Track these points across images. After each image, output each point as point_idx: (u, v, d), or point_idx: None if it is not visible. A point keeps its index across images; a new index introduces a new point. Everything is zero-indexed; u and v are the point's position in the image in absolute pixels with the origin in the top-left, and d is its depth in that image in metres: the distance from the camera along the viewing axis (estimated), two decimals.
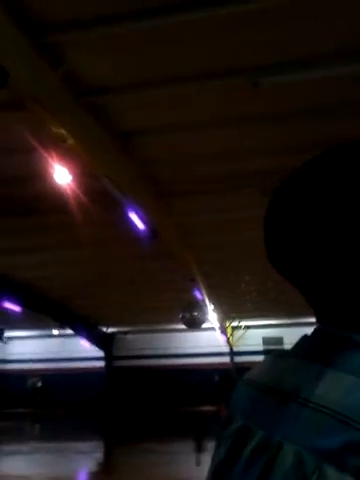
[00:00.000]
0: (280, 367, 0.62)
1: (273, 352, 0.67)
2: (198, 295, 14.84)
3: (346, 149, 0.63)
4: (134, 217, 8.62)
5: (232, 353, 24.75)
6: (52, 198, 8.16)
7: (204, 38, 5.08)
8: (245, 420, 0.60)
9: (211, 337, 23.30)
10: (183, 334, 24.03)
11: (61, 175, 6.79)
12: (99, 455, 12.10)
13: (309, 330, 0.66)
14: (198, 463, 8.24)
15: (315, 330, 0.64)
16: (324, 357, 0.57)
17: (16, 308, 16.18)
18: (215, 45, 5.18)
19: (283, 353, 0.65)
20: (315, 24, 4.89)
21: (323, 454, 0.49)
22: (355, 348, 0.56)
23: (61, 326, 21.37)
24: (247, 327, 24.93)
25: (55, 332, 24.32)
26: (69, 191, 7.40)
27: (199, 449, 8.86)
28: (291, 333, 19.87)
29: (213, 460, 0.63)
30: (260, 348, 24.18)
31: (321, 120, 6.41)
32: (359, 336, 0.57)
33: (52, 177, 6.91)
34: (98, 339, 24.49)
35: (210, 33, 4.98)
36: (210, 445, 8.65)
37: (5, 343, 27.73)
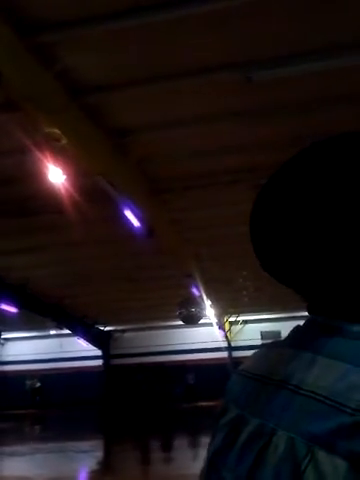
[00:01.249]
0: (273, 357, 0.63)
1: (266, 343, 0.69)
2: (195, 291, 14.86)
3: (333, 142, 0.62)
4: (129, 215, 8.62)
5: (230, 348, 24.80)
6: (47, 198, 8.15)
7: (196, 34, 5.08)
8: (240, 410, 0.61)
9: (209, 332, 23.33)
10: (181, 330, 24.04)
11: (55, 175, 6.77)
12: (99, 454, 12.12)
13: None
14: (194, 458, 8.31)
15: (307, 320, 0.64)
16: (315, 346, 0.58)
17: (12, 309, 16.13)
18: (208, 41, 5.18)
19: (276, 344, 0.66)
20: (308, 18, 4.90)
21: (314, 439, 0.50)
22: (346, 336, 0.57)
23: (58, 326, 21.35)
24: (245, 322, 24.99)
25: (52, 332, 24.29)
26: (63, 190, 7.39)
27: (196, 444, 8.93)
28: (289, 327, 19.74)
29: (209, 450, 0.64)
30: (258, 342, 24.25)
31: (317, 114, 6.43)
32: (350, 325, 0.58)
33: (46, 177, 6.89)
34: (95, 338, 24.48)
35: (202, 29, 4.98)
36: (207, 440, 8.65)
37: (2, 345, 27.70)
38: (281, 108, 6.41)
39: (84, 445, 12.77)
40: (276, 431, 0.54)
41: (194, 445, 11.45)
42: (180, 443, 12.92)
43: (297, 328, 0.65)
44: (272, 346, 0.67)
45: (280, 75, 5.53)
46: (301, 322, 0.66)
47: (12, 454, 12.03)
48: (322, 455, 0.49)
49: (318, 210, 0.59)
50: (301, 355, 0.58)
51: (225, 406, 0.65)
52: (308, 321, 0.64)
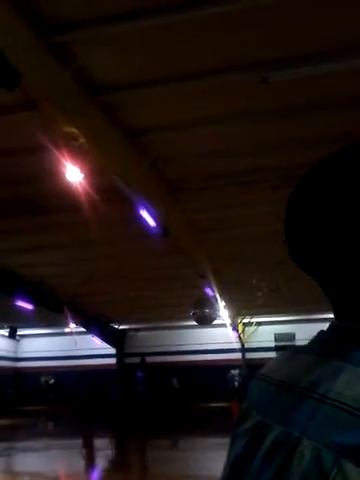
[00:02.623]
0: (297, 363, 0.62)
1: (288, 348, 0.67)
2: (209, 292, 14.84)
3: None
4: (145, 214, 8.64)
5: (244, 349, 24.72)
6: (64, 196, 8.21)
7: (213, 34, 5.08)
8: (262, 416, 0.60)
9: (222, 334, 23.28)
10: (194, 331, 24.02)
11: (73, 174, 6.82)
12: (111, 451, 12.18)
13: (321, 326, 0.66)
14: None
15: (332, 326, 0.63)
16: (342, 353, 0.56)
17: (28, 306, 16.28)
18: (225, 41, 5.18)
19: (299, 349, 0.65)
20: (324, 18, 4.87)
21: (342, 450, 0.49)
22: None
23: (73, 324, 21.48)
24: (259, 323, 24.88)
25: (67, 330, 24.45)
26: (81, 189, 7.44)
27: (206, 445, 8.92)
28: (303, 329, 19.80)
29: (229, 456, 0.63)
30: (272, 344, 24.12)
31: (334, 114, 6.38)
32: None
33: (64, 176, 6.95)
34: (110, 336, 24.58)
35: (219, 29, 4.98)
36: (219, 441, 8.68)
37: (18, 341, 27.96)
38: (298, 109, 6.37)
39: (97, 442, 12.84)
40: (301, 440, 0.53)
41: (204, 445, 11.44)
42: (192, 443, 12.92)
43: (322, 333, 0.64)
44: (295, 351, 0.65)
45: (297, 76, 5.50)
46: (316, 325, 0.65)
47: (26, 449, 12.15)
48: (350, 467, 0.48)
49: (348, 215, 0.59)
50: (327, 363, 0.57)
51: (246, 411, 0.64)
52: (334, 327, 0.63)
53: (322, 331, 0.64)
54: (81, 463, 10.25)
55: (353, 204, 0.59)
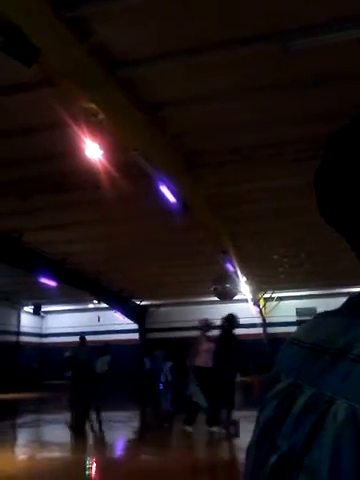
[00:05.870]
0: (329, 326, 0.61)
1: (319, 313, 0.67)
2: (230, 267, 14.84)
3: None
4: (165, 190, 8.62)
5: (265, 324, 24.78)
6: (84, 174, 8.24)
7: (231, 4, 4.96)
8: (293, 378, 0.59)
9: (244, 309, 23.35)
10: (215, 306, 24.14)
11: (92, 150, 6.82)
12: (135, 424, 12.43)
13: (343, 300, 0.65)
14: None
15: None
16: None
17: (52, 283, 16.54)
18: (243, 10, 5.06)
19: (330, 313, 0.64)
20: None
21: None
22: None
23: (96, 300, 21.78)
24: (280, 298, 24.87)
25: (90, 306, 24.81)
26: (100, 166, 7.45)
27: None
28: (325, 304, 19.68)
29: (258, 421, 0.63)
30: (293, 319, 24.12)
31: (355, 86, 6.21)
32: None
33: (84, 153, 6.96)
34: (132, 312, 24.88)
35: None
36: (243, 414, 8.80)
37: (43, 317, 28.52)
38: (318, 81, 6.22)
39: (120, 415, 13.12)
40: (334, 400, 0.53)
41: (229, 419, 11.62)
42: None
43: (351, 299, 0.64)
44: (325, 315, 0.65)
45: (317, 44, 5.34)
46: (337, 299, 0.65)
47: (52, 422, 12.49)
48: None
49: None
50: (358, 323, 0.57)
51: (275, 376, 0.63)
52: None
53: (352, 297, 0.64)
54: (105, 434, 10.52)
55: None
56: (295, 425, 0.55)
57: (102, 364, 14.51)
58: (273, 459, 0.57)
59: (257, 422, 0.63)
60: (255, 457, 0.61)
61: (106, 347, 15.51)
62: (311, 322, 0.66)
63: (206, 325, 9.71)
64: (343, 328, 0.58)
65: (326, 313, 0.65)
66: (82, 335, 16.53)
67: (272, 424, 0.59)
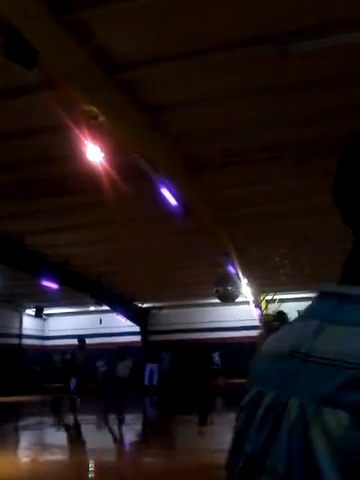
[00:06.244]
0: (287, 331, 0.65)
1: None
2: (232, 269, 14.83)
3: None
4: (166, 193, 8.62)
5: None
6: (85, 176, 8.24)
7: (231, 6, 4.97)
8: (260, 386, 0.63)
9: (245, 311, 23.32)
10: (217, 308, 24.12)
11: (93, 153, 6.83)
12: (139, 426, 12.42)
13: None
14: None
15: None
16: (323, 314, 0.59)
17: (53, 285, 16.54)
18: (242, 13, 5.07)
19: (294, 319, 0.68)
20: None
21: (321, 398, 0.52)
22: (352, 302, 0.58)
23: (97, 302, 21.76)
24: (281, 300, 24.84)
25: (92, 308, 24.79)
26: (101, 169, 7.45)
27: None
28: None
29: (234, 431, 0.66)
30: None
31: (354, 88, 6.22)
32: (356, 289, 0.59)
33: (84, 155, 6.96)
34: (134, 314, 24.85)
35: (237, 1, 4.87)
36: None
37: (44, 320, 28.51)
38: (318, 82, 6.23)
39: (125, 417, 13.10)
40: (289, 400, 0.55)
41: (227, 420, 11.63)
42: (214, 419, 13.10)
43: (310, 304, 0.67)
44: (290, 321, 0.68)
45: (316, 47, 5.35)
46: None
47: (54, 425, 12.48)
48: (327, 411, 0.51)
49: None
50: (309, 324, 0.60)
51: (247, 388, 0.66)
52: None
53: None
54: (108, 437, 10.50)
55: None
56: (258, 429, 0.58)
57: (124, 368, 14.45)
58: (240, 463, 0.60)
59: (233, 432, 0.66)
60: (230, 464, 0.64)
61: (124, 350, 15.40)
62: (277, 332, 0.69)
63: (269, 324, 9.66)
64: (296, 330, 0.62)
65: (292, 320, 0.68)
66: (81, 337, 16.41)
67: (242, 433, 0.62)
